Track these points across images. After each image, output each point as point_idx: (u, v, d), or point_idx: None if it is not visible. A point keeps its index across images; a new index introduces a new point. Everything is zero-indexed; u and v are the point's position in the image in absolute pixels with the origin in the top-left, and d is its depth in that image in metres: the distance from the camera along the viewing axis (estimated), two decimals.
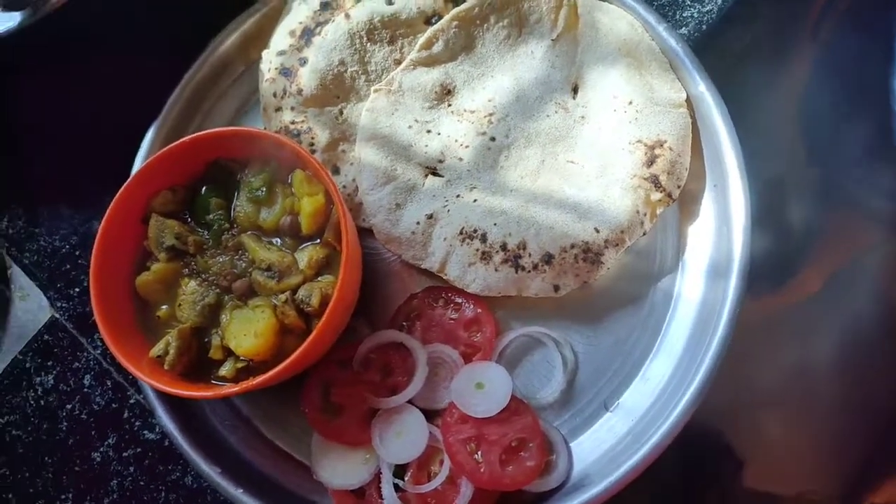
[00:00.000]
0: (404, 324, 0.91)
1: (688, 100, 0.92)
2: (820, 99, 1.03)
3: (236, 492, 0.83)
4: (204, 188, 0.89)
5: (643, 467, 0.79)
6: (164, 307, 0.86)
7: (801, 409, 0.96)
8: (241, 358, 0.81)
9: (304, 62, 0.96)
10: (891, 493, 0.92)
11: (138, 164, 0.98)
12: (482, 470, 0.81)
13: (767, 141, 0.96)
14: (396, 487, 0.82)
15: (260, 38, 1.03)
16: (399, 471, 0.84)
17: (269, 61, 0.98)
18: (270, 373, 0.77)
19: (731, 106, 0.89)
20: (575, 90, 0.95)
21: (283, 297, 0.82)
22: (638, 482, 0.80)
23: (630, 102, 0.91)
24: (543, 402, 0.88)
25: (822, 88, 1.03)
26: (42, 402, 0.99)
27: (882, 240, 0.99)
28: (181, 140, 0.86)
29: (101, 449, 0.96)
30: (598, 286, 0.90)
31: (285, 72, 0.96)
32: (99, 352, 1.00)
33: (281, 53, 0.97)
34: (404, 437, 0.84)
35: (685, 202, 0.93)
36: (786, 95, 1.03)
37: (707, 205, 0.91)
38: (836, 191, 1.01)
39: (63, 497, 0.95)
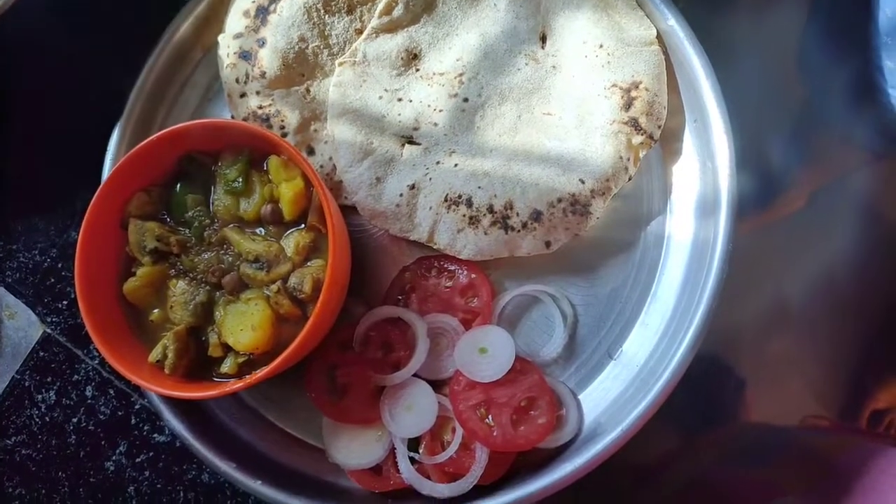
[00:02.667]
0: (399, 298, 0.91)
1: (658, 36, 0.90)
2: (803, 30, 1.02)
3: (255, 484, 0.83)
4: (178, 185, 0.87)
5: (653, 411, 0.80)
6: (155, 311, 0.84)
7: (794, 325, 0.97)
8: (242, 353, 0.81)
9: (262, 43, 0.92)
10: (889, 398, 0.94)
11: (108, 164, 0.95)
12: (495, 433, 0.81)
13: (747, 74, 0.94)
14: (412, 460, 0.83)
15: (214, 20, 0.99)
16: (413, 444, 0.84)
17: (227, 46, 0.94)
18: (273, 364, 0.77)
19: (707, 39, 0.87)
20: (543, 39, 0.93)
21: (274, 287, 0.81)
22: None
23: (601, 46, 0.89)
24: (547, 358, 0.88)
25: (805, 19, 1.01)
26: (47, 419, 0.98)
27: (865, 161, 0.99)
28: (147, 140, 0.83)
29: (114, 457, 0.96)
30: (589, 237, 0.90)
31: (245, 55, 0.93)
32: (97, 362, 0.99)
33: (238, 36, 0.94)
34: (414, 410, 0.84)
35: (667, 141, 0.91)
36: (764, 26, 1.01)
37: (689, 141, 0.90)
38: (819, 121, 1.01)
39: None
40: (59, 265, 1.03)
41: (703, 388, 0.95)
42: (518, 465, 0.84)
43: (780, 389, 0.97)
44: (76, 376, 1.00)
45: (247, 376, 0.80)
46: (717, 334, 0.82)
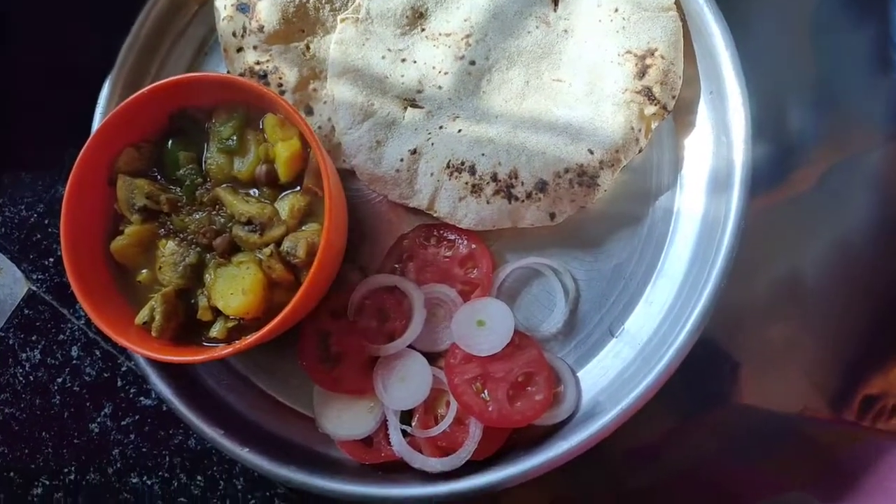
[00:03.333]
0: (397, 266, 0.88)
1: (676, 1, 0.86)
2: (818, 2, 0.98)
3: (242, 451, 0.81)
4: (170, 142, 0.83)
5: (653, 392, 0.78)
6: (144, 271, 0.82)
7: (792, 309, 0.95)
8: (231, 317, 0.78)
9: None
10: (883, 384, 0.92)
11: (97, 118, 0.92)
12: (490, 408, 0.79)
13: (762, 45, 0.91)
14: (404, 433, 0.81)
15: None
16: (405, 416, 0.82)
17: None
18: (263, 330, 0.75)
19: (725, 7, 0.83)
20: (555, 1, 0.89)
21: (267, 250, 0.78)
22: None
23: (615, 10, 0.85)
24: (547, 333, 0.85)
25: None
26: (31, 378, 0.96)
27: (878, 142, 0.97)
28: (138, 92, 0.80)
29: (99, 419, 0.94)
30: (594, 210, 0.86)
31: (242, 7, 0.89)
32: (83, 322, 0.97)
33: None
34: (408, 382, 0.82)
35: (680, 113, 0.88)
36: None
37: (703, 113, 0.87)
38: (834, 97, 0.98)
39: (66, 470, 0.93)
40: (46, 221, 1.00)
41: (699, 370, 0.93)
42: (513, 441, 0.82)
43: (776, 373, 0.96)
44: (62, 336, 0.97)
45: (236, 342, 0.77)
46: (713, 317, 0.80)
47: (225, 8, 0.90)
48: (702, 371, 0.93)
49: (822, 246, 0.95)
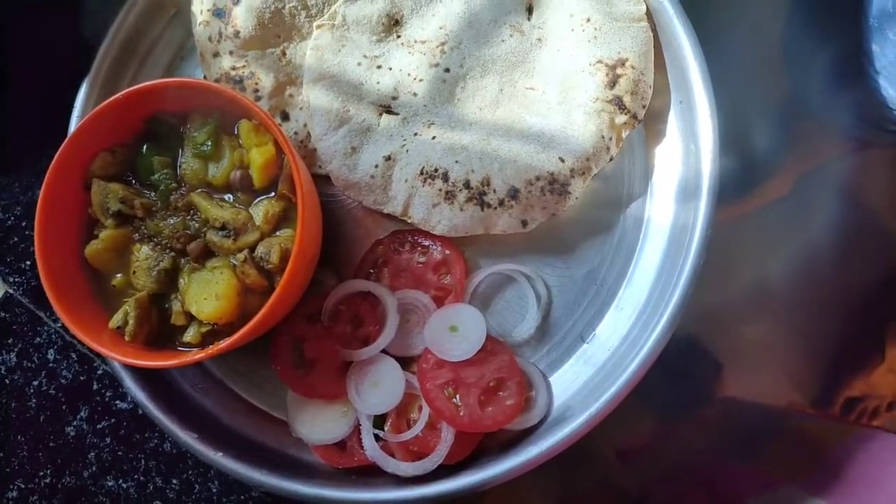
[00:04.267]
0: (371, 272, 0.89)
1: (647, 13, 0.87)
2: (789, 14, 0.99)
3: (216, 455, 0.82)
4: (145, 147, 0.84)
5: (623, 396, 0.79)
6: (118, 276, 0.82)
7: (773, 311, 0.97)
8: (205, 322, 0.78)
9: (237, 1, 0.89)
10: (863, 386, 0.94)
11: (73, 122, 0.92)
12: (462, 413, 0.80)
13: (732, 56, 0.92)
14: (377, 438, 0.82)
15: None
16: (378, 421, 0.83)
17: (201, 2, 0.91)
18: (236, 335, 0.75)
19: (694, 19, 0.85)
20: (529, 10, 0.90)
21: (241, 255, 0.79)
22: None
23: (588, 20, 0.86)
24: (519, 339, 0.86)
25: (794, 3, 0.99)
26: (7, 381, 0.96)
27: (847, 150, 0.98)
28: (114, 97, 0.80)
29: (75, 423, 0.94)
30: (566, 217, 0.87)
31: (219, 13, 0.89)
32: (59, 325, 0.97)
33: None
34: (381, 387, 0.82)
35: (650, 122, 0.89)
36: (751, 6, 0.99)
37: (673, 123, 0.88)
38: (804, 106, 0.99)
39: (41, 474, 0.93)
40: (24, 224, 1.00)
41: (682, 372, 0.94)
42: (484, 445, 0.83)
43: (758, 374, 0.97)
44: (38, 339, 0.97)
45: (209, 346, 0.78)
46: (696, 318, 0.81)
47: (201, 13, 0.90)
48: (686, 373, 0.94)
49: (799, 251, 0.96)
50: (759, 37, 0.99)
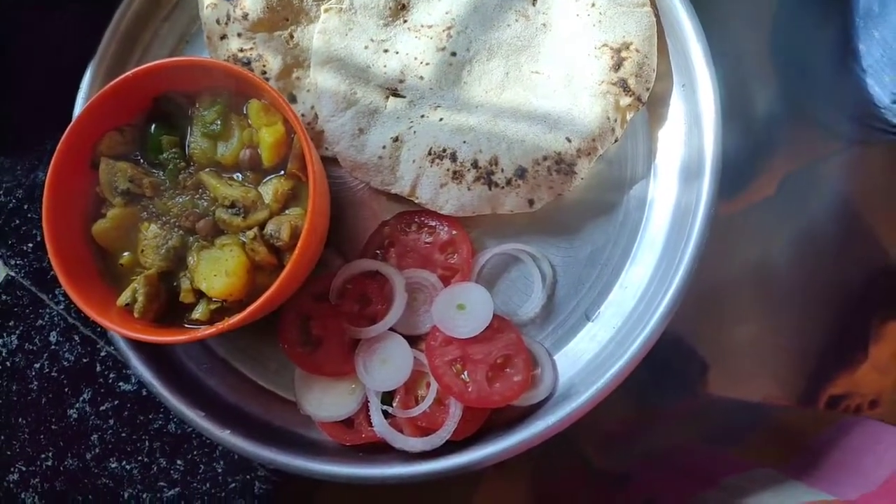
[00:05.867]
0: (378, 252, 0.89)
1: None
2: (776, 13, 1.01)
3: (223, 433, 0.82)
4: (153, 126, 0.84)
5: (626, 373, 0.80)
6: (125, 254, 0.82)
7: (758, 310, 0.98)
8: (214, 299, 0.79)
9: None
10: (847, 383, 0.96)
11: (79, 105, 0.92)
12: (470, 389, 0.81)
13: (732, 41, 0.94)
14: (385, 414, 0.82)
15: None
16: (386, 397, 0.83)
17: None
18: (245, 312, 0.75)
19: (696, 4, 0.87)
20: None
21: (251, 233, 0.79)
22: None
23: (592, 5, 0.88)
24: (525, 317, 0.87)
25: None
26: (8, 364, 0.95)
27: (835, 150, 1.00)
28: (123, 76, 0.80)
29: (77, 405, 0.94)
30: (571, 198, 0.89)
31: None
32: (62, 307, 0.96)
33: None
34: (389, 364, 0.83)
35: (653, 105, 0.91)
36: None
37: (676, 106, 0.90)
38: (792, 105, 1.01)
39: (43, 456, 0.93)
40: (26, 206, 0.99)
41: (668, 370, 0.96)
42: (491, 422, 0.84)
43: (742, 373, 0.99)
44: (40, 321, 0.97)
45: (218, 323, 0.78)
46: (682, 317, 0.82)
47: None
48: (671, 370, 0.96)
49: (786, 249, 0.98)
50: (757, 22, 1.01)
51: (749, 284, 0.98)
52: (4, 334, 0.96)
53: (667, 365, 0.96)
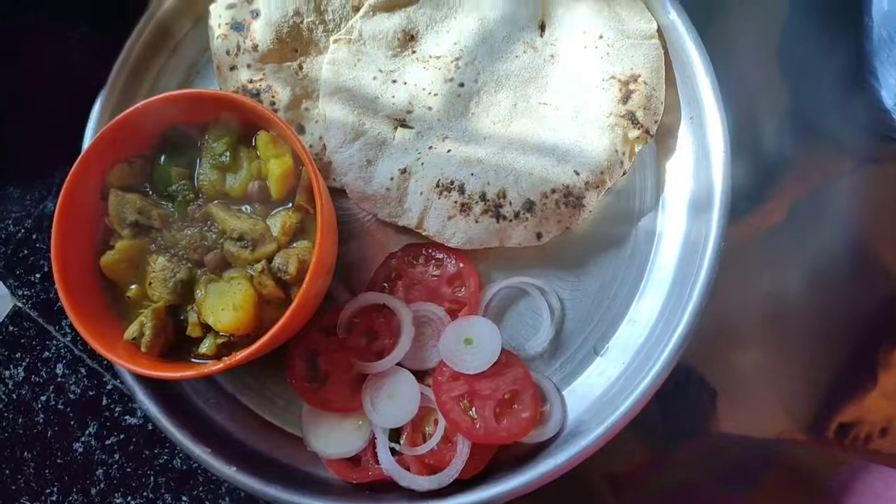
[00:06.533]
0: (385, 285, 0.89)
1: (658, 30, 0.89)
2: (796, 29, 1.01)
3: (229, 470, 0.81)
4: (163, 158, 0.84)
5: (637, 410, 0.79)
6: (133, 287, 0.82)
7: (766, 338, 0.97)
8: (221, 333, 0.78)
9: (256, 15, 0.90)
10: (856, 412, 0.94)
11: (89, 136, 0.92)
12: (477, 426, 0.80)
13: (741, 72, 0.93)
14: (392, 451, 0.81)
15: None
16: (394, 434, 0.82)
17: (219, 16, 0.92)
18: (253, 347, 0.75)
19: (704, 35, 0.86)
20: (542, 27, 0.92)
21: (258, 266, 0.79)
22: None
23: (600, 37, 0.88)
24: (533, 352, 0.86)
25: (799, 18, 1.01)
26: (14, 396, 0.95)
27: (848, 170, 0.99)
28: (133, 108, 0.80)
29: (83, 439, 0.93)
30: (579, 230, 0.88)
31: (237, 26, 0.90)
32: (69, 339, 0.96)
33: (230, 7, 0.91)
34: (396, 400, 0.82)
35: (662, 137, 0.90)
36: (759, 23, 1.01)
37: (684, 138, 0.89)
38: (808, 122, 1.00)
39: (48, 491, 0.92)
40: (34, 237, 0.99)
41: (677, 399, 0.94)
42: (499, 459, 0.82)
43: (751, 401, 0.97)
44: (47, 353, 0.96)
45: (225, 358, 0.78)
46: (691, 345, 0.81)
47: (219, 26, 0.91)
48: (679, 399, 0.94)
49: (795, 276, 0.97)
50: (769, 52, 1.01)
51: (757, 312, 0.97)
52: (11, 366, 0.96)
53: (676, 392, 0.94)
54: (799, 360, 0.96)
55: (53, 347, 0.96)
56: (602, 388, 0.84)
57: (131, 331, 0.78)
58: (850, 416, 0.94)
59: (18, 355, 0.96)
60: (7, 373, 0.96)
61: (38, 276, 0.98)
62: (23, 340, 0.97)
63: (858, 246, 0.98)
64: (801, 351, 0.96)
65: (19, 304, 0.98)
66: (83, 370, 0.95)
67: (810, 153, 1.00)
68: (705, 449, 0.96)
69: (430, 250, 0.89)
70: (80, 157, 0.80)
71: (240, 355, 0.75)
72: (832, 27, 1.00)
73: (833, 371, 0.96)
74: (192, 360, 0.80)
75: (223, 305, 0.78)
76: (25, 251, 0.99)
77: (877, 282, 0.98)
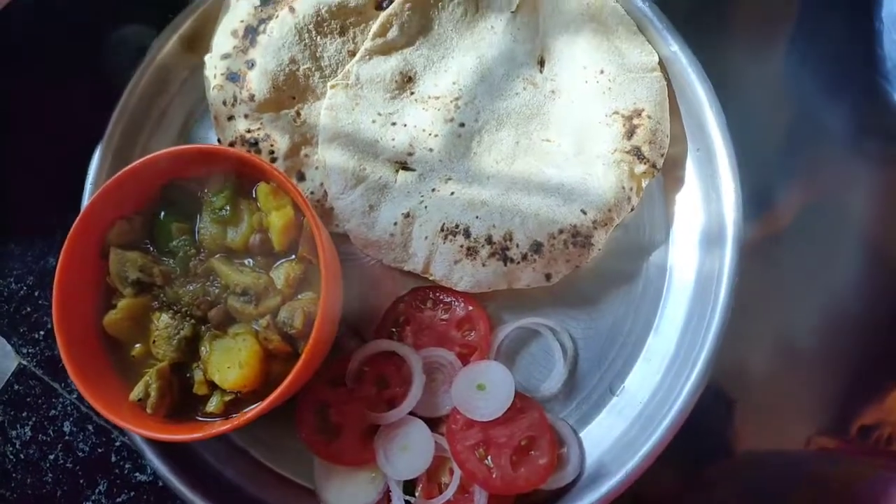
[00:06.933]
0: (393, 330, 0.87)
1: (660, 62, 0.88)
2: (804, 34, 1.00)
3: None
4: (163, 213, 0.83)
5: (659, 451, 0.77)
6: (137, 345, 0.81)
7: (785, 342, 0.95)
8: (228, 391, 0.77)
9: (251, 65, 0.89)
10: (877, 413, 0.92)
11: (88, 189, 0.91)
12: (494, 475, 0.78)
13: (745, 96, 0.92)
14: None
15: (200, 39, 0.96)
16: (408, 486, 0.81)
17: (214, 66, 0.91)
18: (261, 406, 0.74)
19: (705, 62, 0.85)
20: (541, 63, 0.91)
21: (263, 321, 0.77)
22: None
23: (601, 71, 0.87)
24: (547, 394, 0.85)
25: (808, 24, 1.00)
26: (22, 456, 0.94)
27: (860, 173, 0.98)
28: (131, 165, 0.79)
29: (93, 497, 0.92)
30: (588, 268, 0.86)
31: (233, 77, 0.89)
32: (75, 396, 0.95)
33: (225, 57, 0.90)
34: (410, 450, 0.81)
35: (668, 168, 0.89)
36: (763, 51, 1.00)
37: (691, 170, 0.88)
38: (817, 126, 0.99)
39: None
40: (36, 293, 0.98)
41: (694, 412, 0.92)
42: None
43: (771, 410, 0.96)
44: (53, 411, 0.95)
45: (234, 416, 0.77)
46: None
47: (215, 77, 0.91)
48: (697, 413, 0.92)
49: (809, 277, 0.96)
50: (772, 78, 1.00)
51: (772, 316, 0.95)
52: (18, 426, 0.95)
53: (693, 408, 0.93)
54: (816, 364, 0.95)
55: (60, 405, 0.95)
56: (620, 429, 0.83)
57: (136, 392, 0.77)
58: (871, 418, 0.93)
59: (25, 414, 0.95)
60: (14, 432, 0.95)
61: (41, 333, 0.97)
62: (28, 399, 0.96)
63: (872, 248, 0.97)
64: (820, 354, 0.94)
65: (24, 363, 0.96)
66: (91, 427, 0.94)
67: (820, 157, 0.99)
68: (733, 470, 0.95)
69: (437, 293, 0.88)
70: (78, 216, 0.79)
71: (248, 414, 0.74)
72: (840, 31, 0.98)
73: (851, 374, 0.94)
74: (200, 418, 0.79)
75: (229, 363, 0.76)
76: (28, 308, 0.98)
77: (892, 283, 0.96)
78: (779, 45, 1.00)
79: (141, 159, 0.79)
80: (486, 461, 0.79)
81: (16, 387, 0.96)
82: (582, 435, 0.84)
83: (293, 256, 0.80)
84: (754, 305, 0.93)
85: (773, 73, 1.00)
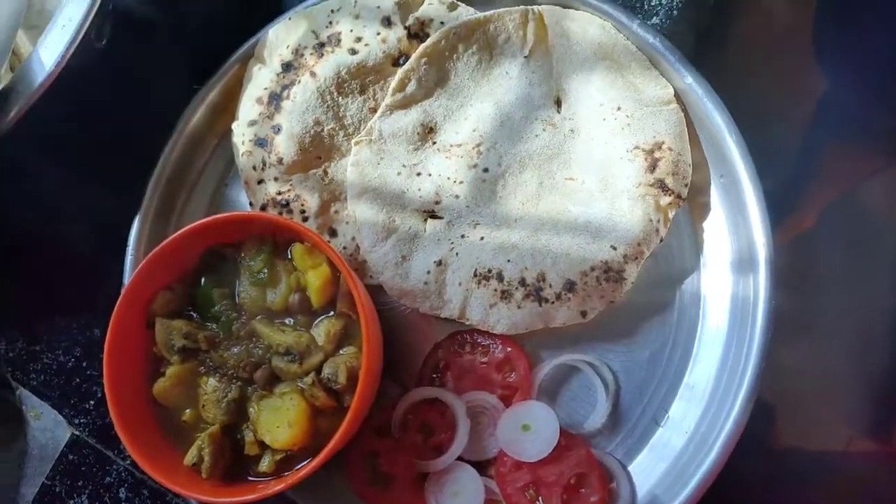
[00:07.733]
0: (434, 376, 0.89)
1: (676, 94, 0.89)
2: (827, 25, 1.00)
3: None
4: (203, 280, 0.86)
5: (712, 479, 0.77)
6: (187, 411, 0.83)
7: (820, 346, 0.95)
8: (279, 450, 0.78)
9: (277, 129, 0.92)
10: None
11: (129, 258, 0.94)
12: None
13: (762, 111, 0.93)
14: None
15: (227, 107, 0.99)
16: None
17: (242, 134, 0.94)
18: (313, 463, 0.75)
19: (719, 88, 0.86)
20: (558, 103, 0.92)
21: (308, 379, 0.79)
22: None
23: (618, 108, 0.88)
24: (592, 429, 0.85)
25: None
26: None
27: (881, 166, 0.98)
28: (169, 238, 0.82)
29: None
30: (622, 300, 0.87)
31: (261, 142, 0.92)
32: (129, 462, 0.97)
33: (252, 124, 0.93)
34: (461, 496, 0.81)
35: (692, 196, 0.89)
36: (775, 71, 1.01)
37: (715, 196, 0.89)
38: (838, 122, 0.98)
39: None
40: (84, 364, 1.01)
41: None
42: None
43: (811, 411, 0.95)
44: (108, 478, 0.97)
45: (285, 474, 0.78)
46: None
47: (243, 143, 0.94)
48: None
49: (836, 276, 0.95)
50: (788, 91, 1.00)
51: (800, 319, 0.94)
52: (74, 495, 0.97)
53: None
54: (848, 364, 0.94)
55: (114, 472, 0.97)
56: (669, 461, 0.83)
57: (190, 457, 0.79)
58: None
59: (80, 483, 0.97)
60: (71, 502, 0.97)
61: (92, 402, 1.00)
62: (83, 468, 0.98)
63: None
64: (850, 355, 0.94)
65: (77, 433, 0.99)
66: (146, 492, 0.96)
67: (841, 153, 0.99)
68: (771, 470, 0.94)
69: (475, 337, 0.89)
70: (123, 291, 0.81)
71: (301, 472, 0.76)
72: (862, 24, 0.98)
73: (885, 374, 0.94)
74: (251, 478, 0.81)
75: (278, 423, 0.78)
76: (77, 379, 1.01)
77: None
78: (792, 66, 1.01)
79: (180, 231, 0.82)
80: (537, 502, 0.80)
81: (70, 457, 0.98)
82: (630, 468, 0.84)
83: (332, 313, 0.82)
84: (791, 313, 0.93)
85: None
